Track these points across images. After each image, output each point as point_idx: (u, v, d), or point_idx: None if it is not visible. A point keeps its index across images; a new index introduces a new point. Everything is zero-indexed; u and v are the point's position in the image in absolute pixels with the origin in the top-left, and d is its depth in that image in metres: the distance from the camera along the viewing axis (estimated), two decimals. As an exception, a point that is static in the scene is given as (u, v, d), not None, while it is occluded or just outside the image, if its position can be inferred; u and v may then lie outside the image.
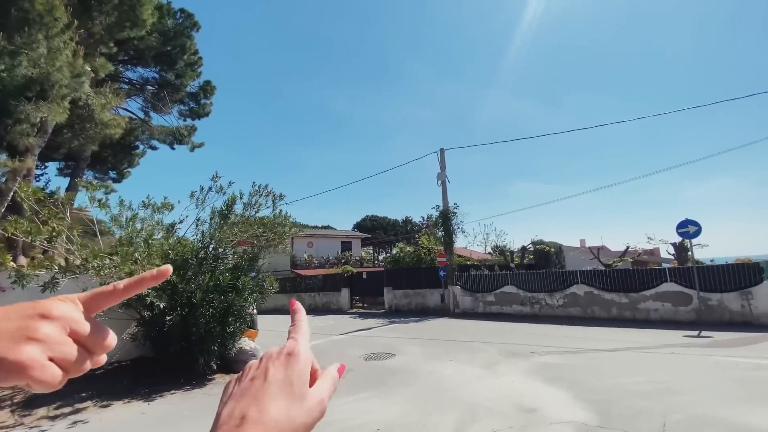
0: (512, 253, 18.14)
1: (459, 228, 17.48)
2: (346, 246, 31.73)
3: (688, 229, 11.08)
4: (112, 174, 27.36)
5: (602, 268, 16.62)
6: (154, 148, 27.81)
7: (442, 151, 17.91)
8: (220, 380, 6.74)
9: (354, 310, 20.38)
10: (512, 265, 17.10)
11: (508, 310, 14.95)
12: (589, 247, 20.95)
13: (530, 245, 18.12)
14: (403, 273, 18.80)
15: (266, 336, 9.28)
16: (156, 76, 24.60)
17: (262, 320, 10.01)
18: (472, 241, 27.82)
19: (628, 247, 19.40)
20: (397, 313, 17.49)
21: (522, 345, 8.72)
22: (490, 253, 24.69)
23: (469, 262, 18.64)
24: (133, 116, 26.08)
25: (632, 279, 12.48)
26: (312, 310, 21.61)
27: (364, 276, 20.71)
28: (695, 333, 9.53)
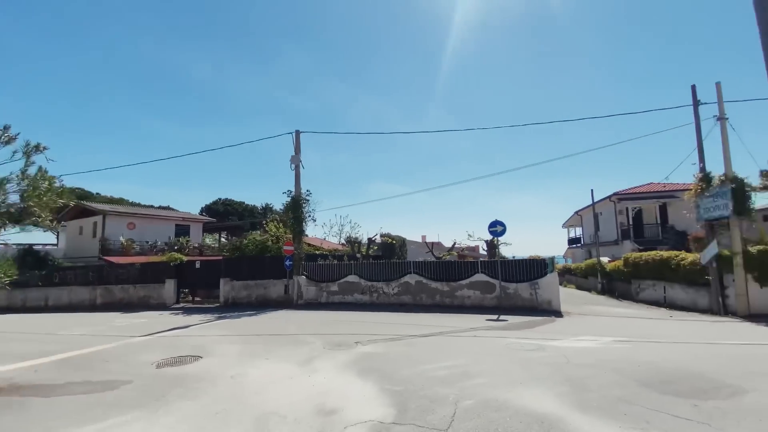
0: (359, 244, 18.46)
1: (310, 216, 16.77)
2: (182, 230, 27.31)
3: (497, 228, 12.97)
4: None
5: (434, 260, 18.44)
6: None
7: (297, 133, 16.83)
8: None
9: (181, 305, 17.52)
10: (359, 255, 17.35)
11: (349, 299, 15.01)
12: (426, 242, 23.09)
13: (376, 237, 18.79)
14: (244, 262, 17.01)
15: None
16: None
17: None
18: (327, 232, 27.63)
19: (454, 243, 22.22)
20: (233, 307, 15.72)
21: (350, 335, 8.55)
22: (343, 244, 24.86)
23: (318, 252, 18.14)
24: None
25: (453, 270, 13.99)
26: (125, 306, 17.73)
27: (197, 265, 17.99)
28: (496, 317, 11.13)
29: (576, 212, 33.11)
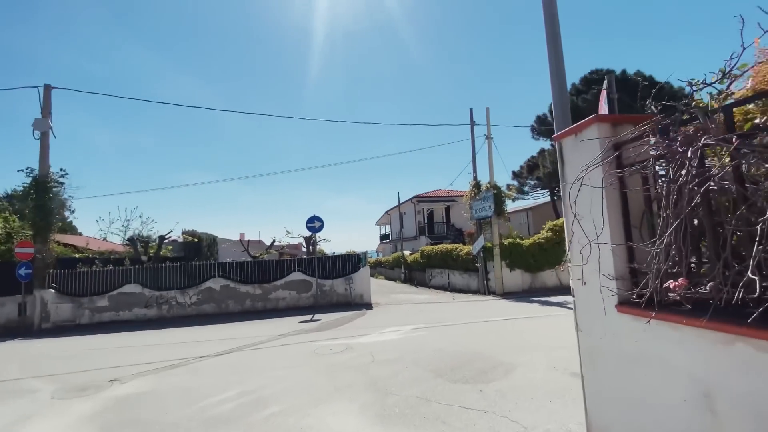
0: (147, 243, 14.84)
1: (66, 205, 12.29)
2: None
3: (314, 224, 12.53)
4: None
5: (249, 260, 16.66)
6: None
7: (47, 88, 12.06)
8: None
9: None
10: (145, 258, 13.85)
11: (126, 315, 11.71)
12: (241, 241, 20.83)
13: (170, 234, 15.50)
14: (-69, 274, 10.95)
15: None
16: None
17: None
18: (106, 229, 21.33)
19: (274, 240, 20.82)
20: None
21: (107, 368, 6.29)
22: (126, 244, 19.66)
23: (80, 255, 13.53)
24: None
25: (268, 270, 12.81)
26: None
27: None
28: (310, 317, 10.60)
29: (386, 212, 36.80)
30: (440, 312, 10.72)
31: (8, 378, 6.14)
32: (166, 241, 19.03)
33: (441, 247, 18.25)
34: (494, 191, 13.68)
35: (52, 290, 11.42)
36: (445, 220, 29.58)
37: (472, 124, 15.16)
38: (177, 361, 6.48)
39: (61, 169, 12.26)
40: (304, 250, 27.91)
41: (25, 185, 11.45)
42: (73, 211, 12.23)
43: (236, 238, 36.85)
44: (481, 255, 14.13)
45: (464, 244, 18.25)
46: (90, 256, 13.62)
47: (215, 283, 12.27)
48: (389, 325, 8.87)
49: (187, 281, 12.26)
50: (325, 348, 6.73)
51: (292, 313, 11.59)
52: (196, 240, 20.56)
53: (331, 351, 6.47)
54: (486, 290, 14.15)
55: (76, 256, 13.20)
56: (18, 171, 11.31)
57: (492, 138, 14.48)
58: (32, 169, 11.69)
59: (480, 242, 14.02)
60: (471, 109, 15.61)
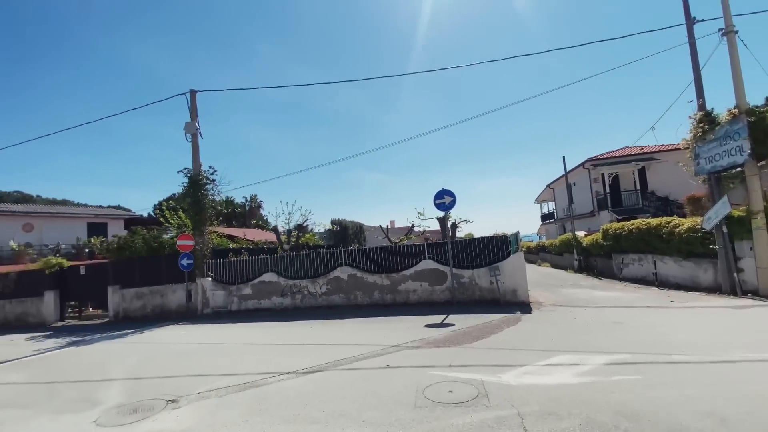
0: (290, 233, 15.05)
1: (215, 197, 13.19)
2: (97, 229, 23.07)
3: (444, 199, 9.79)
4: None
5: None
6: None
7: (192, 93, 13.08)
8: None
9: (63, 323, 13.74)
10: (286, 247, 13.94)
11: (266, 303, 11.65)
12: (381, 227, 19.81)
13: (306, 223, 15.38)
14: (136, 264, 13.26)
15: None
16: None
17: None
18: (273, 221, 23.98)
19: (413, 225, 19.05)
20: (123, 323, 12.13)
21: (185, 377, 5.26)
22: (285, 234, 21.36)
23: (232, 246, 14.59)
24: None
25: (395, 257, 10.81)
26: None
27: (82, 272, 14.16)
28: (441, 318, 8.02)
29: (548, 185, 30.60)
30: (657, 327, 6.48)
31: (114, 377, 5.78)
32: (313, 230, 19.58)
33: (638, 223, 12.74)
34: (749, 118, 7.94)
35: (210, 278, 12.32)
36: (638, 187, 21.94)
37: (690, 20, 9.41)
38: (249, 380, 4.92)
39: (210, 167, 13.23)
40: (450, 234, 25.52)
41: (183, 184, 12.65)
42: (221, 206, 12.80)
43: (389, 225, 37.46)
44: (724, 231, 8.63)
45: (677, 216, 12.27)
46: (239, 246, 14.59)
47: (342, 272, 11.05)
48: (559, 347, 5.46)
49: (317, 270, 11.44)
50: (442, 390, 4.04)
51: (424, 310, 9.25)
52: (341, 228, 20.68)
53: (451, 399, 3.75)
54: (735, 288, 8.60)
55: (229, 247, 14.32)
56: (178, 172, 12.49)
57: (737, 32, 8.55)
58: (189, 169, 12.84)
59: (721, 208, 8.55)
60: None
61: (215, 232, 14.26)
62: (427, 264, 10.29)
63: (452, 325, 7.40)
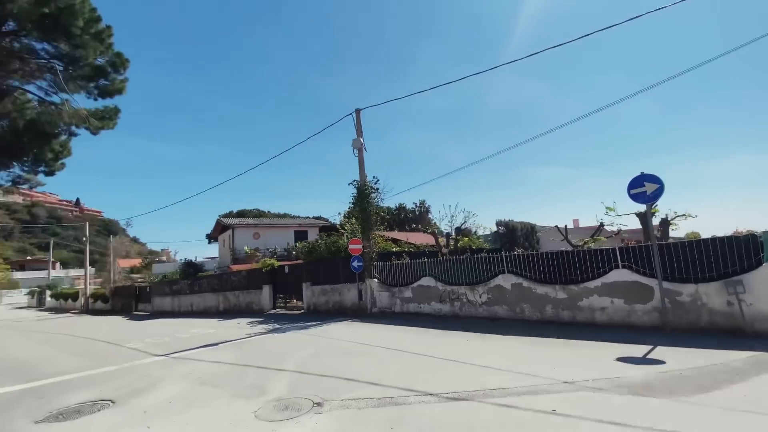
0: (448, 236, 14.55)
1: (379, 203, 13.97)
2: (300, 236, 28.40)
3: (644, 188, 7.31)
4: (41, 167, 24.47)
5: (570, 249, 12.87)
6: (73, 134, 24.72)
7: (357, 112, 14.30)
8: None
9: (275, 311, 17.15)
10: (445, 251, 13.52)
11: (426, 308, 11.46)
12: (558, 228, 17.06)
13: (465, 226, 14.42)
14: (320, 266, 15.38)
15: None
16: (50, 48, 21.28)
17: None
18: (437, 224, 24.23)
19: (602, 225, 15.54)
20: (313, 315, 14.20)
21: (337, 380, 5.35)
22: (448, 236, 21.10)
23: (395, 249, 15.10)
24: (43, 99, 22.95)
25: (573, 265, 8.81)
26: (235, 312, 18.52)
27: (286, 270, 17.39)
28: (644, 351, 5.90)
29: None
30: None
31: (286, 368, 6.46)
32: (476, 232, 18.53)
33: None
34: None
35: (376, 280, 13.04)
36: None
37: None
38: (390, 395, 4.56)
39: (374, 177, 14.14)
40: (658, 234, 19.82)
41: (353, 194, 13.91)
42: (385, 214, 13.52)
43: (570, 226, 32.17)
44: None
45: None
46: (401, 250, 14.95)
47: (505, 281, 9.77)
48: None
49: (475, 276, 10.52)
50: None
51: (617, 335, 7.07)
52: (508, 230, 18.90)
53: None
54: None
55: (393, 249, 14.86)
56: (348, 184, 13.83)
57: None
58: (356, 180, 14.03)
59: None
60: None
61: (381, 236, 15.14)
62: (621, 274, 7.92)
63: (661, 362, 5.27)
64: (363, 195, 13.60)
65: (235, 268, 22.69)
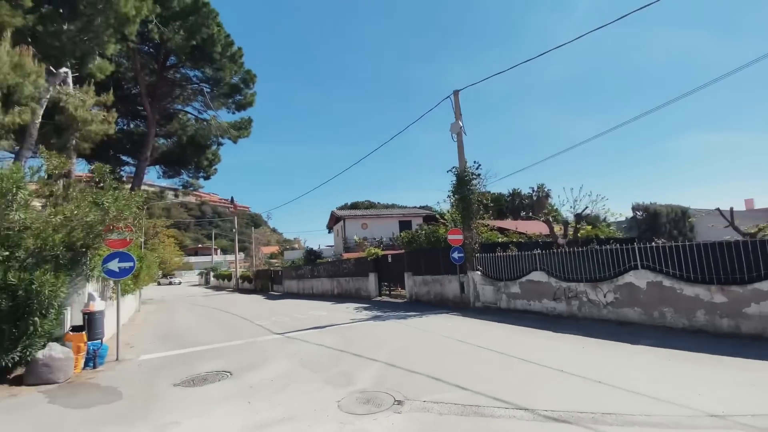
0: (566, 224, 12.71)
1: (480, 189, 13.05)
2: (404, 225, 28.83)
3: None
4: (201, 173, 30.38)
5: (738, 239, 9.94)
6: (220, 144, 29.72)
7: (455, 93, 13.59)
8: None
9: (380, 298, 17.79)
10: (561, 241, 11.88)
11: (536, 306, 10.31)
12: (721, 211, 13.43)
13: (587, 212, 12.24)
14: (421, 256, 15.25)
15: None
16: (198, 74, 25.71)
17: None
18: (560, 208, 21.56)
19: (791, 205, 11.60)
20: (415, 305, 14.27)
21: (422, 377, 5.12)
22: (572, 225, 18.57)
23: (500, 240, 13.91)
24: (197, 117, 28.11)
25: (739, 259, 6.73)
26: (345, 297, 19.90)
27: (389, 259, 17.80)
28: None
29: None
30: None
31: (378, 358, 6.50)
32: (606, 219, 15.91)
33: None
34: None
35: (479, 272, 12.28)
36: None
37: None
38: (476, 402, 4.13)
39: (474, 162, 13.22)
40: None
41: (452, 182, 13.27)
42: (486, 201, 12.67)
43: (740, 207, 24.60)
44: None
45: None
46: (508, 240, 13.64)
47: (638, 278, 8.05)
48: None
49: (598, 272, 8.94)
50: None
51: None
52: (648, 215, 15.70)
53: None
54: None
55: (498, 240, 13.67)
56: (447, 171, 13.25)
57: None
58: (455, 167, 13.36)
59: None
60: None
61: (485, 225, 14.19)
62: (817, 275, 5.70)
63: None
64: (463, 182, 12.87)
65: (346, 256, 24.30)
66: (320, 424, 3.88)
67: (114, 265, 7.52)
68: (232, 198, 43.06)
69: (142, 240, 25.70)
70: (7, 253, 5.90)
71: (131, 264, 7.68)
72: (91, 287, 8.04)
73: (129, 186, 22.45)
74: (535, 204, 50.92)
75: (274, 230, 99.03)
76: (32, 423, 4.41)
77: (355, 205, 77.23)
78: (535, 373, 5.19)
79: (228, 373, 6.06)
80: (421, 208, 36.73)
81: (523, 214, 43.51)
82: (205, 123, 26.63)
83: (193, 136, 26.05)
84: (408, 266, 15.82)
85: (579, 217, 12.08)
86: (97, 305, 7.32)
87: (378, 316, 11.68)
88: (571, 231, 12.33)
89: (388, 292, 17.99)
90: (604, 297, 8.67)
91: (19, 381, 5.87)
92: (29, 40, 11.97)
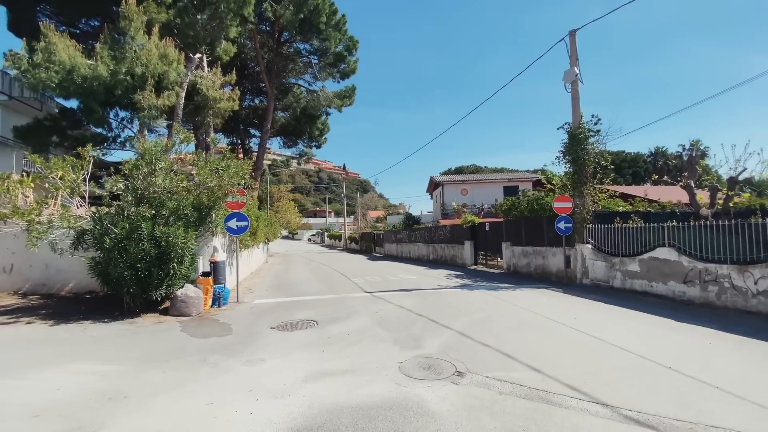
0: (716, 190, 10.01)
1: (598, 148, 11.20)
2: (511, 191, 26.78)
3: None
4: (313, 143, 33.44)
5: None
6: (328, 114, 31.80)
7: (571, 34, 11.68)
8: (144, 320, 7.02)
9: (475, 266, 17.27)
10: (706, 212, 9.52)
11: (659, 288, 8.70)
12: None
13: (736, 177, 9.27)
14: (521, 225, 14.08)
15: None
16: (307, 47, 27.29)
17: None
18: (716, 172, 17.16)
19: None
20: (512, 276, 13.53)
21: (494, 352, 4.85)
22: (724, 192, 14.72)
23: (622, 209, 11.78)
24: (308, 89, 30.33)
25: None
26: (440, 263, 19.95)
27: (487, 227, 16.93)
28: None
29: None
30: None
31: (466, 334, 6.37)
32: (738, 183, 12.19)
33: None
34: None
35: (589, 246, 10.81)
36: None
37: None
38: (544, 388, 3.73)
39: (593, 116, 11.28)
40: None
41: (563, 141, 11.59)
42: (605, 163, 10.93)
43: None
44: None
45: None
46: (638, 209, 11.37)
47: (815, 264, 6.01)
48: None
49: (748, 250, 6.97)
50: None
51: None
52: None
53: None
54: None
55: (618, 209, 11.52)
56: (557, 129, 11.62)
57: None
58: (568, 123, 11.62)
59: None
60: None
61: (604, 191, 12.23)
62: None
63: None
64: (576, 140, 11.15)
65: (443, 222, 23.99)
66: (377, 381, 4.00)
67: (233, 223, 8.91)
68: (344, 165, 46.18)
69: (258, 203, 29.51)
70: (153, 211, 7.41)
71: (246, 223, 8.98)
72: (217, 242, 9.63)
73: (255, 154, 25.88)
74: (686, 165, 41.77)
75: (381, 195, 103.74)
76: (165, 344, 5.62)
77: (459, 170, 74.87)
78: (634, 366, 4.40)
79: (315, 323, 6.71)
80: (531, 172, 33.45)
81: (666, 178, 36.33)
82: (314, 94, 28.49)
83: (305, 107, 28.25)
84: (506, 235, 14.85)
85: (733, 182, 9.41)
86: (220, 256, 8.77)
87: (467, 285, 11.37)
88: (721, 199, 9.73)
89: (484, 262, 17.31)
90: (755, 284, 6.77)
91: (165, 311, 7.51)
92: (174, 32, 14.30)
